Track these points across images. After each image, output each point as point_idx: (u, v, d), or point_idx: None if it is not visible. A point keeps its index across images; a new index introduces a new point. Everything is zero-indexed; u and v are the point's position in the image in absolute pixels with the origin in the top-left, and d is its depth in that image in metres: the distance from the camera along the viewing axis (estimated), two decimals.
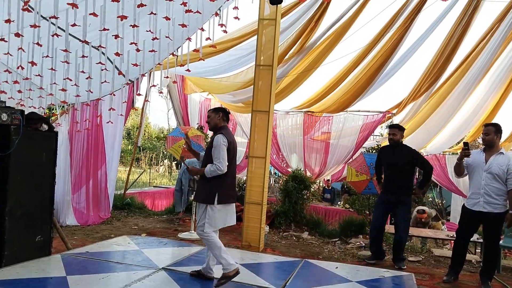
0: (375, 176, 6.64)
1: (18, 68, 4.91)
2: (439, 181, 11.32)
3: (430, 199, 14.48)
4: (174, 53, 5.15)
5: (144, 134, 25.93)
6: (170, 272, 4.52)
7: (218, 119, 4.20)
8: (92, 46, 4.67)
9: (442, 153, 10.76)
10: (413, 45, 7.29)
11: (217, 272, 4.29)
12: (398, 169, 5.51)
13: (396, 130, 5.63)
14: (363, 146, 10.18)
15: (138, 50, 4.62)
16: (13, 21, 3.84)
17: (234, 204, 4.23)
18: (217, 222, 4.01)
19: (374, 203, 7.44)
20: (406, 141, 5.99)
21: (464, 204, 4.97)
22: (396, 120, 9.56)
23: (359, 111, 10.08)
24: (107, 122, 6.42)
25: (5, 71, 5.26)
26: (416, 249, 6.73)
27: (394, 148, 5.64)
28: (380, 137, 11.51)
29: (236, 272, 3.97)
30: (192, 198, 6.98)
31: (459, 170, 4.92)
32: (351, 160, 9.21)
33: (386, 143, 9.66)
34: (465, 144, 4.73)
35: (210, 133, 11.28)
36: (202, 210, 4.05)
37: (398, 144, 5.61)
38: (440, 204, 14.27)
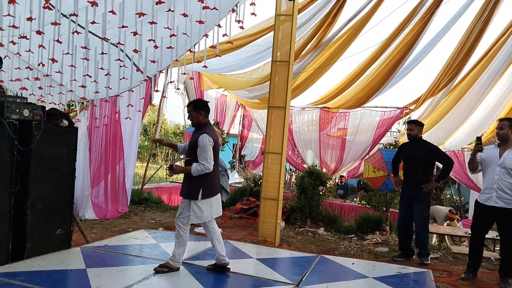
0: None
1: (39, 65, 5.01)
2: (457, 178, 11.16)
3: (448, 196, 14.28)
4: (191, 49, 5.18)
5: (161, 130, 26.16)
6: (187, 265, 4.57)
7: (200, 117, 4.25)
8: (111, 43, 4.74)
9: (461, 149, 10.60)
10: (432, 39, 7.19)
11: (233, 266, 4.34)
12: (416, 164, 5.48)
13: (413, 125, 5.60)
14: (380, 142, 10.10)
15: (156, 46, 4.67)
16: (34, 19, 3.93)
17: (219, 194, 4.43)
18: (204, 215, 4.23)
19: (390, 200, 7.40)
20: (424, 137, 5.94)
21: (477, 199, 4.94)
22: (414, 116, 9.46)
23: (376, 107, 10.01)
24: (126, 118, 6.51)
25: (26, 68, 5.38)
26: (434, 246, 6.66)
27: (413, 144, 5.61)
28: (398, 133, 11.39)
29: (177, 269, 4.30)
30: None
31: (473, 165, 4.89)
32: (367, 156, 9.15)
33: (404, 139, 9.61)
34: (478, 138, 4.70)
35: (226, 129, 11.34)
36: (185, 204, 4.24)
37: (417, 140, 5.58)
38: (458, 201, 14.06)
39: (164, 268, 4.22)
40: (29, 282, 3.68)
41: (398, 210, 8.41)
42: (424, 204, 5.52)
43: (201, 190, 4.15)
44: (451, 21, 6.77)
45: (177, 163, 4.28)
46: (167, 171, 4.29)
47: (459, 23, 6.79)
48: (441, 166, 5.77)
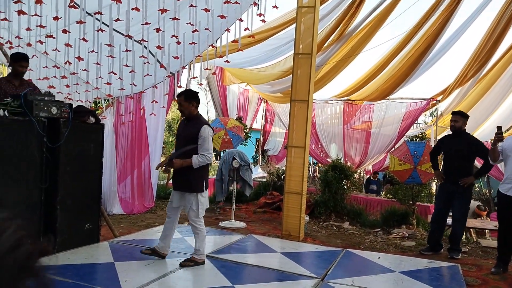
0: (419, 165, 6.47)
1: (65, 63, 5.13)
2: None
3: (477, 189, 13.90)
4: (213, 44, 5.19)
5: None
6: (212, 259, 4.61)
7: (192, 107, 4.21)
8: (135, 40, 4.80)
9: (490, 140, 10.27)
10: (459, 28, 6.98)
11: (258, 260, 4.34)
12: (457, 159, 5.31)
13: (459, 116, 5.39)
14: (405, 135, 9.91)
15: (178, 42, 4.70)
16: (60, 18, 4.01)
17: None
18: (205, 206, 4.39)
19: (417, 193, 7.26)
20: None
21: (498, 189, 4.82)
22: (441, 107, 9.23)
23: (401, 98, 9.81)
24: (150, 114, 6.59)
25: (53, 66, 5.51)
26: (462, 240, 6.50)
27: (455, 137, 5.42)
28: (424, 125, 11.15)
29: (203, 262, 4.35)
30: (232, 187, 7.08)
31: (494, 155, 4.79)
32: (393, 149, 9.00)
33: (431, 131, 9.40)
34: (498, 128, 4.61)
35: (248, 123, 11.35)
36: (185, 197, 4.29)
37: (460, 133, 5.37)
38: (487, 194, 13.67)
39: (190, 263, 4.28)
40: (59, 276, 3.78)
41: (425, 204, 8.28)
42: (464, 199, 5.36)
43: (204, 182, 4.25)
44: (479, 8, 6.56)
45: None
46: (161, 168, 4.17)
47: (486, 10, 6.58)
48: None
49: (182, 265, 4.26)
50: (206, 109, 10.74)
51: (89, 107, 6.08)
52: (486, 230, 7.89)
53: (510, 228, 4.78)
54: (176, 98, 4.29)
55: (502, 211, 4.81)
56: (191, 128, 4.20)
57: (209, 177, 4.63)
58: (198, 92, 4.41)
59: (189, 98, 4.21)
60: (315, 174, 12.79)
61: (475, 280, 4.52)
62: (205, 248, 4.40)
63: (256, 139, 13.59)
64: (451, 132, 5.54)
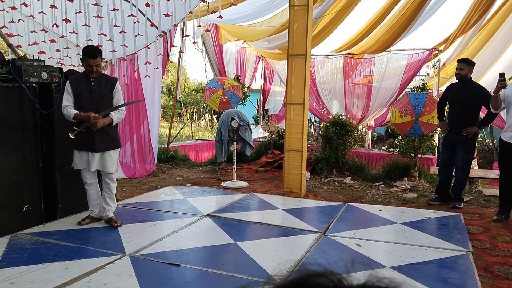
0: (421, 116, 6.37)
1: (53, 26, 4.95)
2: None
3: (480, 139, 13.85)
4: None
5: (184, 89, 26.16)
6: (215, 218, 4.64)
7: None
8: None
9: (493, 89, 10.11)
10: None
11: (260, 217, 4.36)
12: (462, 107, 5.20)
13: (464, 64, 5.22)
14: (407, 87, 9.74)
15: None
16: None
17: None
18: None
19: (419, 145, 7.20)
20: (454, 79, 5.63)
21: (500, 137, 4.75)
22: (444, 57, 9.00)
23: (403, 50, 9.55)
24: (145, 77, 6.46)
25: (41, 30, 5.33)
26: (465, 189, 6.50)
27: (461, 85, 5.27)
28: (426, 76, 10.93)
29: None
30: (232, 148, 7.04)
31: (496, 103, 4.67)
32: (395, 101, 8.86)
33: (433, 82, 9.22)
34: (501, 75, 4.45)
35: (247, 83, 11.17)
36: (114, 155, 4.23)
37: (466, 81, 5.23)
38: (490, 144, 13.62)
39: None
40: (63, 240, 3.83)
41: (427, 156, 8.25)
42: (467, 148, 5.29)
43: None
44: None
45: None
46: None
47: None
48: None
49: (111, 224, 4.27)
50: (205, 71, 10.52)
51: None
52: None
53: (509, 176, 4.76)
54: (91, 59, 4.00)
55: (504, 159, 4.78)
56: (105, 85, 4.16)
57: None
58: (101, 46, 4.49)
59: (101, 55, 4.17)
60: (319, 132, 12.71)
61: (477, 228, 4.54)
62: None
63: (257, 99, 13.43)
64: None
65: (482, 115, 5.63)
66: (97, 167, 4.14)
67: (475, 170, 7.74)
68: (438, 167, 6.31)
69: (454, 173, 5.60)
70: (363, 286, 0.52)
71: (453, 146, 5.37)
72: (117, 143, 4.27)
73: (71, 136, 3.94)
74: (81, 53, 4.15)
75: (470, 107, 5.19)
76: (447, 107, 5.71)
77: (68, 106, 4.00)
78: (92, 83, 4.09)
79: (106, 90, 4.18)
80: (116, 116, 4.16)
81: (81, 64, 4.18)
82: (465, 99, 5.19)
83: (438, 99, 6.44)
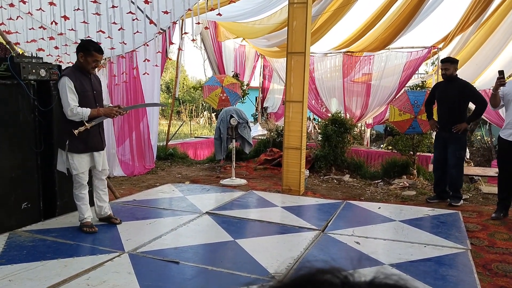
0: (420, 114, 6.37)
1: (51, 23, 4.93)
2: (488, 118, 10.75)
3: (479, 137, 13.87)
4: None
5: (183, 87, 26.11)
6: (214, 216, 4.64)
7: (81, 59, 3.94)
8: None
9: (491, 87, 10.11)
10: None
11: (259, 215, 4.35)
12: (450, 104, 5.24)
13: (448, 64, 5.27)
14: (406, 85, 9.74)
15: None
16: None
17: None
18: None
19: (418, 143, 7.21)
20: None
21: (499, 134, 4.76)
22: (442, 55, 9.00)
23: (402, 47, 9.56)
24: (144, 74, 6.44)
25: (40, 27, 5.31)
26: (463, 187, 6.51)
27: (448, 83, 5.33)
28: (425, 74, 10.93)
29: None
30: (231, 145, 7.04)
31: (495, 100, 4.70)
32: (394, 99, 8.86)
33: (432, 81, 9.22)
34: (500, 72, 4.48)
35: (246, 80, 11.16)
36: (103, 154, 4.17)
37: (452, 78, 5.29)
38: (489, 142, 13.64)
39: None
40: (62, 238, 3.83)
41: (425, 154, 8.25)
42: (458, 145, 5.32)
43: None
44: None
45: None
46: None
47: None
48: (473, 107, 5.48)
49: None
50: (203, 69, 10.46)
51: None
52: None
53: (510, 173, 4.77)
54: (100, 54, 3.98)
55: (503, 157, 4.80)
56: (95, 81, 4.13)
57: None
58: (89, 39, 4.29)
59: (77, 50, 4.03)
60: (315, 130, 12.72)
61: (475, 226, 4.55)
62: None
63: (255, 97, 13.42)
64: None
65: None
66: (103, 165, 4.12)
67: (474, 168, 7.76)
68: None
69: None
70: (370, 282, 0.52)
71: (444, 144, 5.40)
72: (104, 142, 4.25)
73: (75, 133, 3.76)
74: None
75: (458, 104, 5.23)
76: (435, 106, 5.73)
77: (76, 106, 3.79)
78: (91, 80, 4.06)
79: (100, 86, 4.20)
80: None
81: (81, 60, 3.99)
82: (452, 96, 5.24)
83: None
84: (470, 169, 7.54)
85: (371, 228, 4.36)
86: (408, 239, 3.96)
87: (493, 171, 7.37)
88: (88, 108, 3.85)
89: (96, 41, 5.02)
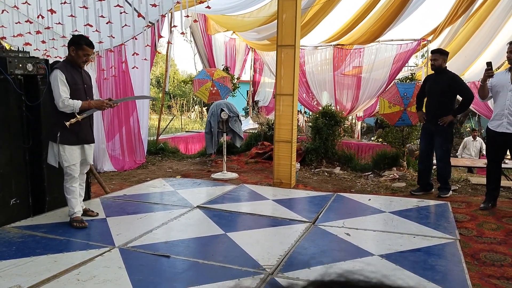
0: (409, 106, 6.41)
1: (38, 17, 4.87)
2: (477, 110, 10.87)
3: (468, 129, 14.02)
4: None
5: (173, 81, 25.98)
6: (205, 209, 4.64)
7: (73, 53, 3.93)
8: None
9: (480, 79, 10.19)
10: None
11: (250, 208, 4.36)
12: (439, 97, 5.25)
13: (437, 55, 5.27)
14: (396, 78, 9.79)
15: None
16: None
17: None
18: None
19: (407, 135, 7.26)
20: None
21: (488, 125, 4.81)
22: (432, 47, 9.04)
23: (392, 40, 9.58)
24: (133, 68, 6.39)
25: (26, 21, 5.23)
26: (452, 178, 6.58)
27: (437, 75, 5.33)
28: (415, 67, 10.98)
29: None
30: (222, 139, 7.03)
31: (483, 92, 4.73)
32: (384, 92, 8.90)
33: (422, 73, 9.28)
34: (488, 64, 4.51)
35: (236, 74, 11.12)
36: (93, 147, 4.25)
37: (441, 70, 5.29)
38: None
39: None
40: (51, 233, 3.80)
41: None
42: (443, 137, 5.35)
43: None
44: None
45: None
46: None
47: None
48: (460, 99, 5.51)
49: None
50: (194, 62, 10.40)
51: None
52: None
53: (498, 163, 4.83)
54: (91, 48, 3.97)
55: (491, 147, 4.84)
56: (86, 75, 4.17)
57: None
58: (81, 35, 4.19)
59: (68, 44, 4.01)
60: (306, 124, 12.74)
61: (464, 216, 4.60)
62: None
63: (246, 91, 13.39)
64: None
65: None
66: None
67: (463, 159, 7.84)
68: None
69: (435, 163, 5.67)
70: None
71: (430, 136, 5.42)
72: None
73: (67, 124, 3.76)
74: (67, 44, 4.06)
75: (445, 97, 5.24)
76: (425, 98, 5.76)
77: (68, 97, 3.79)
78: (82, 74, 4.05)
79: (90, 80, 4.20)
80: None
81: (73, 54, 3.96)
82: (440, 88, 5.25)
83: None
84: (459, 161, 7.62)
85: (361, 220, 4.39)
86: (397, 230, 4.00)
87: (481, 162, 7.46)
88: (79, 100, 3.87)
89: (83, 34, 4.98)
